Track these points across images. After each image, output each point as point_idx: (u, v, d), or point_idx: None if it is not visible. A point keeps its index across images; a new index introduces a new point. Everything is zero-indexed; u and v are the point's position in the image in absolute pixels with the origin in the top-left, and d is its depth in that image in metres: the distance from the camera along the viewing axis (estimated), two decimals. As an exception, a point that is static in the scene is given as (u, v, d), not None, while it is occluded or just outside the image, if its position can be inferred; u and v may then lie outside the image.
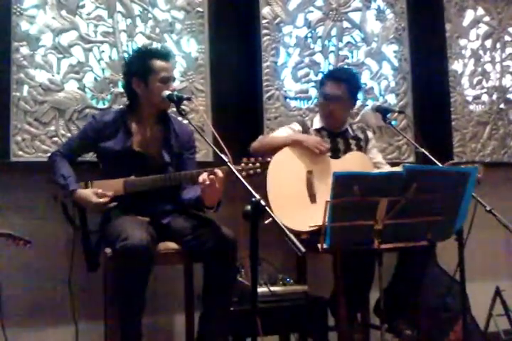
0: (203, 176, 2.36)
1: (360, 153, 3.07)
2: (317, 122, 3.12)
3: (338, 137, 3.10)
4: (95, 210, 2.55)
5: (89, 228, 2.60)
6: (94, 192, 2.51)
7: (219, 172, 2.34)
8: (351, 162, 2.95)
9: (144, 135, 2.68)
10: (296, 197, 2.85)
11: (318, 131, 3.08)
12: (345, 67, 3.48)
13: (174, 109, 2.63)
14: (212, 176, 2.34)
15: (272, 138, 3.02)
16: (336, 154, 3.05)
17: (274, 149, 2.87)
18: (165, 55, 2.67)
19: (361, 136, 3.18)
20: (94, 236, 2.60)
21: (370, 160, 3.05)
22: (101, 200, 2.49)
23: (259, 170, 2.37)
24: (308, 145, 2.89)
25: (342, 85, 3.03)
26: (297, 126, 3.08)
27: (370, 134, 3.25)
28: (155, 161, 2.65)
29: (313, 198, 2.88)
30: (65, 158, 2.67)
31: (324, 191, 2.83)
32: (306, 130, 3.06)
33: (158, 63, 2.62)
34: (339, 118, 3.10)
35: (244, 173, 2.29)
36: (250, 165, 2.37)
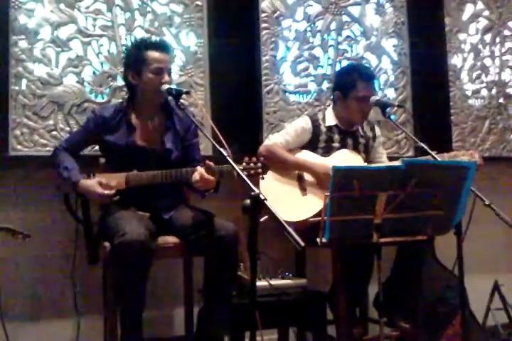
0: (195, 177, 2.42)
1: (348, 150, 3.03)
2: (330, 119, 3.05)
3: (348, 136, 3.06)
4: (99, 201, 2.53)
5: (92, 220, 2.60)
6: (98, 182, 2.49)
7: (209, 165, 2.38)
8: (340, 159, 2.95)
9: (146, 129, 2.67)
10: (287, 190, 2.88)
11: (329, 128, 3.03)
12: (363, 63, 3.45)
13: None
14: (204, 176, 2.40)
15: (284, 158, 2.94)
16: None
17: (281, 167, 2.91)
18: (160, 46, 2.63)
19: (370, 134, 3.15)
20: (96, 229, 2.59)
21: (359, 156, 3.02)
22: (106, 192, 2.48)
23: (260, 170, 2.36)
24: (318, 179, 2.88)
25: (374, 85, 3.05)
26: (308, 124, 3.00)
27: (378, 131, 3.22)
28: (158, 154, 2.65)
29: (304, 191, 2.90)
30: (67, 152, 2.65)
31: (315, 185, 2.90)
32: (316, 126, 3.01)
33: (152, 54, 2.59)
34: (368, 117, 3.09)
35: (245, 173, 2.27)
36: (252, 165, 2.35)
